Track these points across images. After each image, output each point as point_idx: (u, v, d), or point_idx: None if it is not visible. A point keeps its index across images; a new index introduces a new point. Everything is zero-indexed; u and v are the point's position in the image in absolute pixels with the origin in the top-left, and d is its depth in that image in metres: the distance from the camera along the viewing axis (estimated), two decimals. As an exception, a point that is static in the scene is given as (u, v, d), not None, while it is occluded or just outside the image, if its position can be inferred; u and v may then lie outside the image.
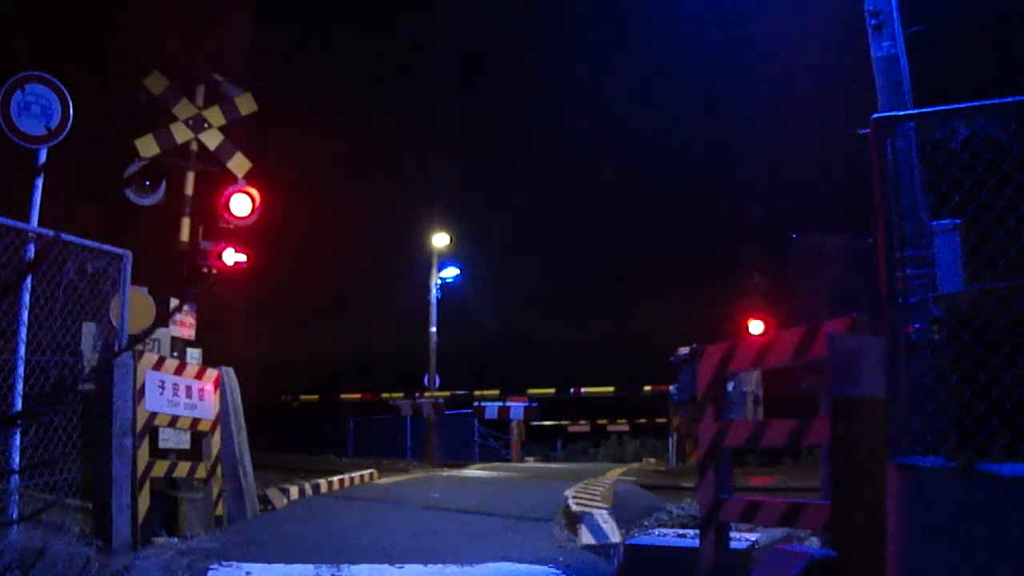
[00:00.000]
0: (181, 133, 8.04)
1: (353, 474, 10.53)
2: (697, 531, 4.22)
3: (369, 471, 11.11)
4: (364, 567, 4.72)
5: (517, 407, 19.99)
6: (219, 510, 6.47)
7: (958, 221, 4.22)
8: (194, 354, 7.78)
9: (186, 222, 8.07)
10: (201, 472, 6.39)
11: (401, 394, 21.96)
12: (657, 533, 5.70)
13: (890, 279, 3.01)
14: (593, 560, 5.11)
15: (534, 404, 20.37)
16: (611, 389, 20.94)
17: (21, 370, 5.06)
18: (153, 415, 5.72)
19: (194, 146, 8.18)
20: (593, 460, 21.68)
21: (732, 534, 4.14)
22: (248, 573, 4.53)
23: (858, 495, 3.05)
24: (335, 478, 9.81)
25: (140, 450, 5.46)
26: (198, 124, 8.12)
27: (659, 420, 20.97)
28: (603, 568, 4.86)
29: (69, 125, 5.67)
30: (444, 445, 20.52)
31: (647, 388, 19.56)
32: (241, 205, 7.94)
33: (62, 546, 4.31)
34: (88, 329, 5.84)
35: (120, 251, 5.67)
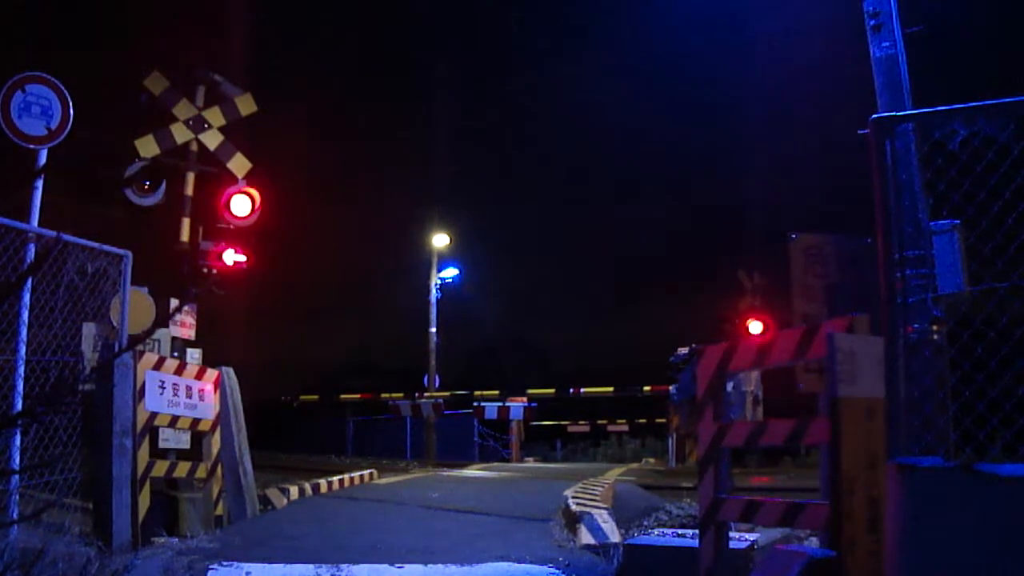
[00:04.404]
0: (181, 133, 8.05)
1: (353, 474, 10.52)
2: (697, 531, 4.22)
3: (369, 471, 11.11)
4: (364, 567, 4.73)
5: (517, 407, 19.98)
6: (219, 510, 6.47)
7: (957, 222, 4.23)
8: (194, 354, 7.79)
9: (186, 222, 8.08)
10: (201, 472, 6.39)
11: (401, 394, 21.99)
12: (657, 533, 5.70)
13: (889, 279, 3.01)
14: (593, 560, 5.11)
15: (534, 404, 20.36)
16: (611, 389, 20.96)
17: (22, 370, 5.06)
18: (153, 415, 5.72)
19: (194, 146, 8.19)
20: (593, 460, 21.67)
21: (732, 534, 4.14)
22: (248, 573, 4.54)
23: (858, 495, 3.05)
24: (335, 478, 9.81)
25: (140, 450, 5.47)
26: (198, 124, 8.13)
27: (659, 420, 20.98)
28: (603, 568, 4.86)
29: (69, 125, 5.67)
30: (444, 445, 20.52)
31: (647, 388, 19.59)
32: (241, 205, 8.03)
33: (62, 546, 4.32)
34: (88, 329, 5.85)
35: (120, 251, 5.67)
